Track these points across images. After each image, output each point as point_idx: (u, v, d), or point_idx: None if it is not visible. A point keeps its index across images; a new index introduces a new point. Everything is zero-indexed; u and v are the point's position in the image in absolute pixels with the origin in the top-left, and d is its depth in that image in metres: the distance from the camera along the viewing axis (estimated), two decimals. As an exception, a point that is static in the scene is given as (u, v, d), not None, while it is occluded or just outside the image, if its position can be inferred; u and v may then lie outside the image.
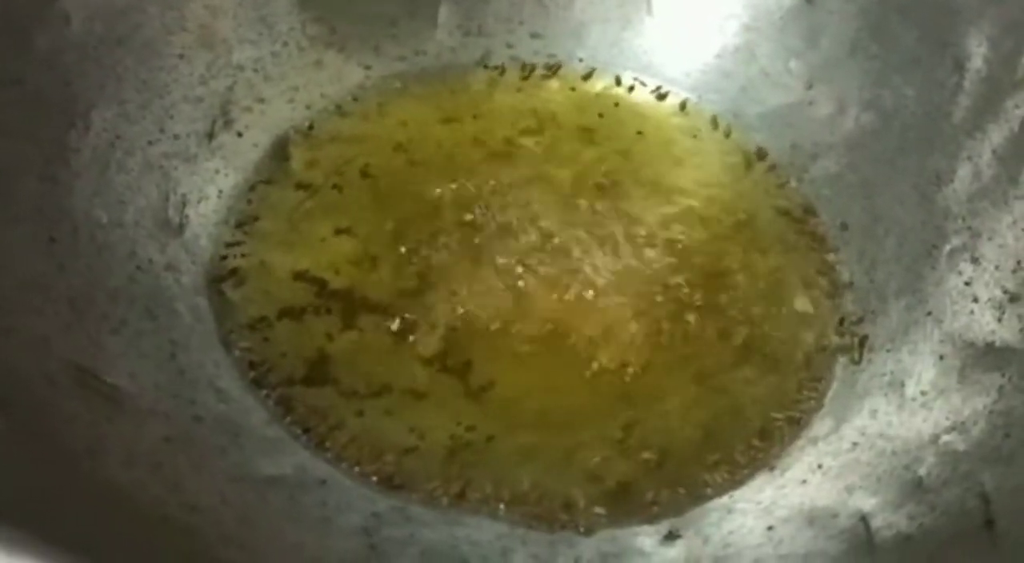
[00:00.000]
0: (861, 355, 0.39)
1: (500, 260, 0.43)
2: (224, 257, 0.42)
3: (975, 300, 0.38)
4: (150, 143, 0.43)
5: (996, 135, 0.41)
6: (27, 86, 0.39)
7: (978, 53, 0.42)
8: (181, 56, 0.45)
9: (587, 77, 0.50)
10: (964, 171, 0.41)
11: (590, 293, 0.42)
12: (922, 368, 0.37)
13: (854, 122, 0.46)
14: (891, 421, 0.36)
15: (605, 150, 0.48)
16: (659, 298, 0.42)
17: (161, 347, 0.37)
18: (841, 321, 0.41)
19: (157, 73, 0.44)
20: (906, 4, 0.45)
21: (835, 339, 0.40)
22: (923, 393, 0.36)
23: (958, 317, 0.38)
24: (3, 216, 0.36)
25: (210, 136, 0.45)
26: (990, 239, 0.39)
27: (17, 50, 0.39)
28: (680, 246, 0.44)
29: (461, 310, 0.41)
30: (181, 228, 0.42)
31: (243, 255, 0.42)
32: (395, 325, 0.40)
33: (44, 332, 0.35)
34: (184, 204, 0.43)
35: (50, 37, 0.40)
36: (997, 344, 0.36)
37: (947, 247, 0.40)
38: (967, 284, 0.39)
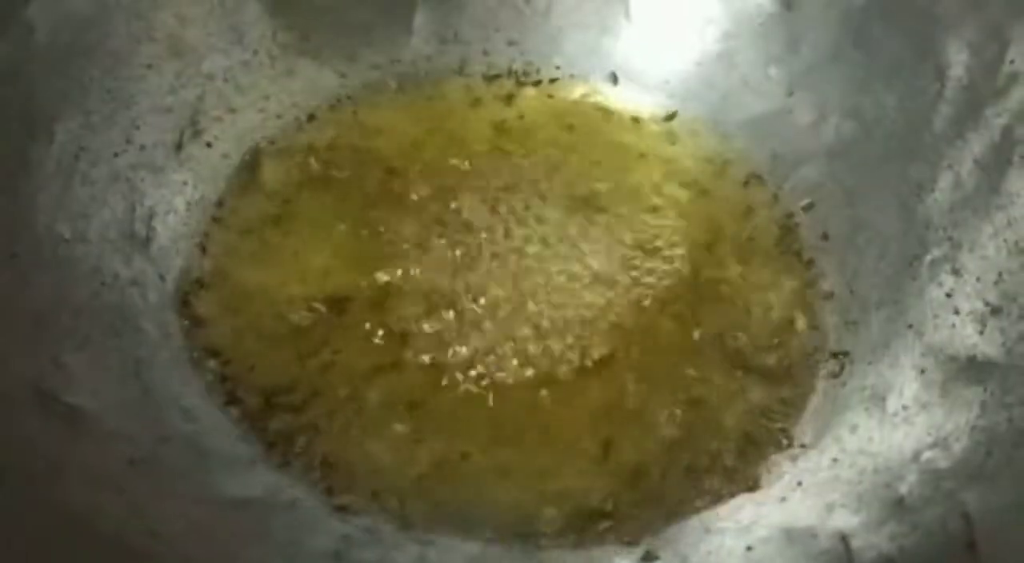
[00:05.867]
0: (842, 368, 0.39)
1: (478, 271, 0.42)
2: (192, 272, 0.41)
3: (956, 312, 0.38)
4: (116, 155, 0.42)
5: (977, 144, 0.40)
6: (-14, 97, 0.38)
7: (959, 61, 0.42)
8: (149, 66, 0.44)
9: (565, 84, 0.50)
10: (945, 180, 0.41)
11: (568, 305, 0.41)
12: (903, 382, 0.37)
13: (835, 130, 0.45)
14: (872, 437, 0.36)
15: (583, 160, 0.47)
16: (637, 310, 0.41)
17: (126, 365, 0.36)
18: (822, 333, 0.40)
19: (124, 83, 0.43)
20: (887, 11, 0.44)
21: (815, 351, 0.40)
22: (904, 408, 0.36)
23: (939, 330, 0.37)
24: (-40, 231, 0.35)
25: (178, 147, 0.44)
26: (971, 250, 0.39)
27: (-24, 60, 0.38)
28: (659, 256, 0.43)
29: (437, 324, 0.40)
30: (148, 242, 0.41)
31: (212, 269, 0.41)
32: (368, 341, 0.39)
33: (5, 351, 0.34)
34: (151, 217, 0.42)
35: (12, 47, 0.39)
36: (979, 358, 0.36)
37: (928, 258, 0.40)
38: (948, 296, 0.38)
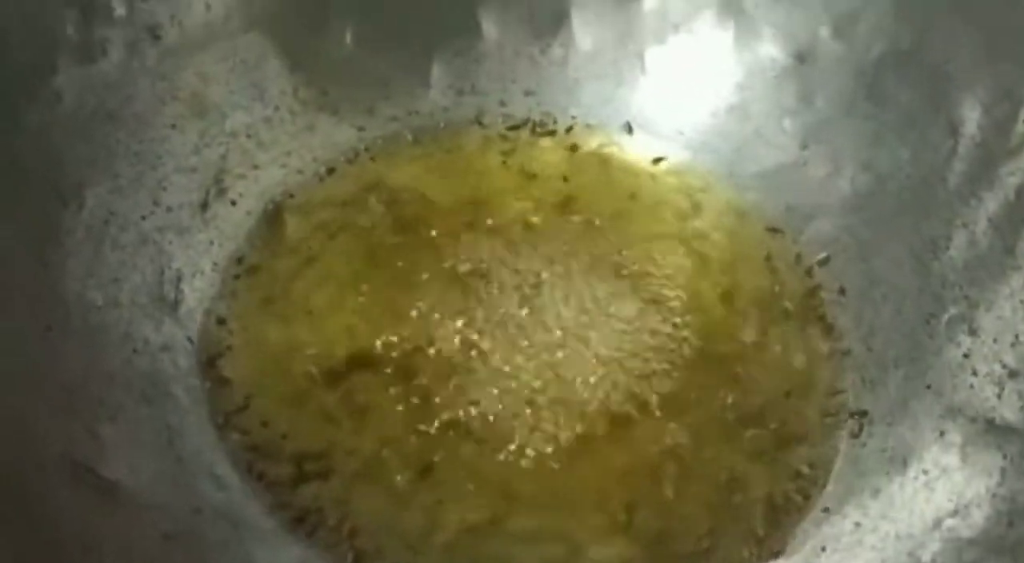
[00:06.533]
0: (861, 428, 0.39)
1: (501, 331, 0.42)
2: (219, 333, 0.41)
3: (974, 373, 0.38)
4: (143, 217, 0.42)
5: (991, 203, 0.41)
6: (18, 167, 0.39)
7: (972, 118, 0.42)
8: (173, 126, 0.45)
9: (581, 134, 0.50)
10: (960, 238, 0.41)
11: (590, 369, 0.42)
12: (923, 444, 0.37)
13: (849, 183, 0.46)
14: (894, 501, 0.36)
15: (600, 213, 0.47)
16: (658, 374, 0.41)
17: (159, 434, 0.37)
18: (840, 392, 0.41)
19: (150, 145, 0.44)
20: (900, 66, 0.45)
21: (836, 411, 0.40)
22: (925, 472, 0.36)
23: (958, 391, 0.38)
24: (-3, 306, 0.36)
25: (204, 206, 0.44)
26: (988, 310, 0.39)
27: (8, 130, 0.39)
28: (676, 312, 0.44)
29: (462, 386, 0.41)
30: (176, 304, 0.41)
31: (239, 330, 0.42)
32: (393, 404, 0.40)
33: (38, 424, 0.34)
34: (179, 279, 0.42)
35: (41, 115, 0.40)
36: (997, 421, 0.36)
37: (945, 316, 0.40)
38: (966, 356, 0.39)
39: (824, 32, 0.47)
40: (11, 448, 0.33)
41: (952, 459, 0.36)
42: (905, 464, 0.37)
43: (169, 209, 0.43)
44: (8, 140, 0.38)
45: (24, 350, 0.36)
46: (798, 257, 0.45)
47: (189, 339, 0.41)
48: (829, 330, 0.43)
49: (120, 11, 0.42)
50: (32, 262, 0.38)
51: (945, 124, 0.43)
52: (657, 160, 0.49)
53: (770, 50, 0.49)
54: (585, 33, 0.51)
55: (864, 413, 0.40)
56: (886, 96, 0.45)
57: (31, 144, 0.39)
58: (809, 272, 0.45)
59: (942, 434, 0.37)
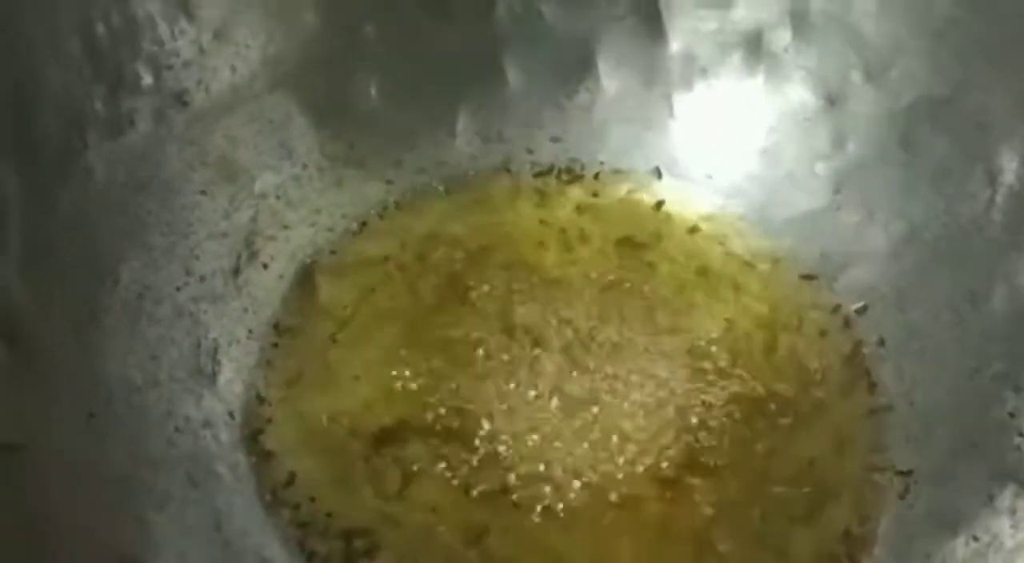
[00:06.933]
0: (907, 489, 0.39)
1: (542, 390, 0.42)
2: (260, 406, 0.41)
3: (1020, 434, 0.38)
4: (178, 289, 0.42)
5: (1033, 256, 0.41)
6: (54, 249, 0.38)
7: (1010, 168, 0.42)
8: (203, 192, 0.44)
9: (609, 180, 0.50)
10: (1001, 291, 0.41)
11: (631, 421, 0.41)
12: (972, 509, 0.37)
13: (883, 230, 0.46)
14: (947, 561, 0.36)
15: (632, 262, 0.47)
16: (702, 431, 0.41)
17: (206, 519, 0.37)
18: (884, 449, 0.41)
19: (180, 213, 0.43)
20: (934, 114, 0.44)
21: (881, 470, 0.40)
22: (975, 538, 0.36)
23: (1005, 453, 0.38)
24: (41, 398, 0.35)
25: (236, 272, 0.44)
26: (1033, 368, 0.39)
27: (44, 213, 0.38)
28: (717, 369, 0.43)
29: (511, 448, 0.40)
30: (214, 376, 0.41)
31: (279, 401, 0.42)
32: (439, 471, 0.40)
33: (88, 520, 0.34)
34: (215, 350, 0.42)
35: (73, 194, 0.39)
36: (1047, 487, 0.36)
37: (989, 372, 0.40)
38: (1012, 415, 0.39)
39: (856, 77, 0.47)
40: (63, 549, 0.33)
41: (1003, 526, 0.36)
42: (955, 529, 0.37)
43: (202, 278, 0.43)
44: (44, 223, 0.38)
45: (69, 442, 0.35)
46: (836, 307, 0.45)
47: (230, 413, 0.41)
48: (870, 383, 0.43)
49: (148, 80, 0.42)
50: (71, 345, 0.38)
51: (983, 174, 0.43)
52: (686, 200, 0.49)
53: (800, 93, 0.48)
54: (611, 77, 0.50)
55: (910, 472, 0.40)
56: (920, 142, 0.45)
57: (65, 224, 0.39)
58: (847, 322, 0.45)
59: (991, 498, 0.37)
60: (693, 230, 0.48)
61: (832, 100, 0.47)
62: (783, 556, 0.38)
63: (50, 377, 0.36)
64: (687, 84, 0.50)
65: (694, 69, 0.50)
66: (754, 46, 0.49)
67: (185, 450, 0.38)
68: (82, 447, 0.35)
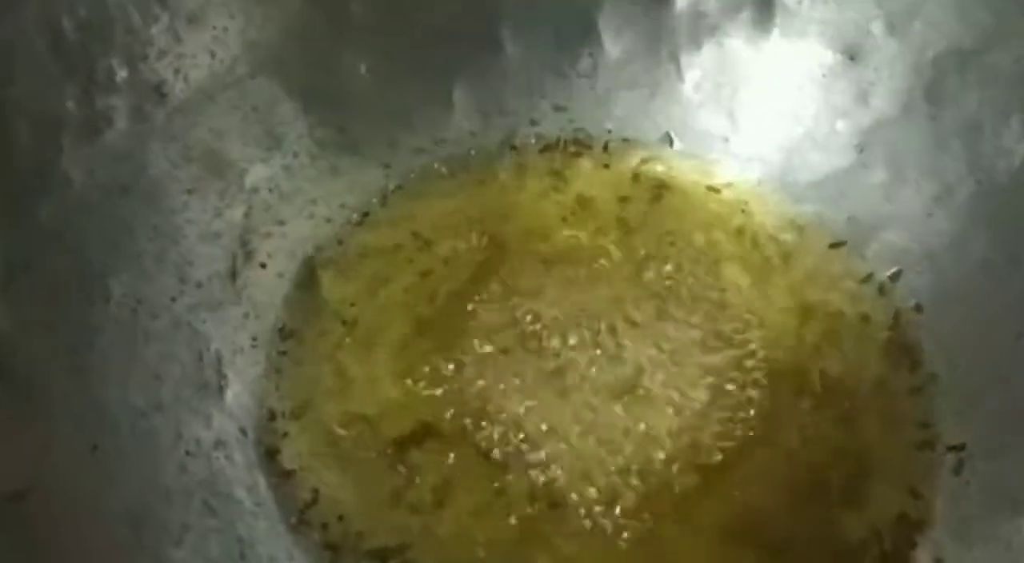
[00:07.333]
0: (961, 464, 0.38)
1: (563, 385, 0.40)
2: (273, 420, 0.39)
3: (1076, 401, 0.36)
4: (173, 299, 0.39)
5: (1076, 212, 0.39)
6: (37, 268, 0.35)
7: (1049, 120, 0.40)
8: (191, 191, 0.41)
9: (619, 150, 0.47)
10: (1044, 251, 0.39)
11: (660, 413, 0.39)
12: (1031, 483, 0.36)
13: (915, 190, 0.43)
14: (1011, 544, 0.35)
15: (649, 238, 0.44)
16: (735, 414, 0.39)
17: (229, 549, 0.34)
18: (931, 425, 0.39)
19: (168, 215, 0.40)
20: (964, 65, 0.42)
21: (931, 444, 0.38)
22: (1040, 516, 0.35)
23: (1061, 421, 0.36)
24: (39, 434, 0.32)
25: (233, 275, 0.41)
26: (1083, 330, 0.37)
27: (21, 229, 0.35)
28: (746, 352, 0.41)
29: (536, 450, 0.38)
30: (221, 391, 0.38)
31: (291, 412, 0.39)
32: (470, 479, 0.37)
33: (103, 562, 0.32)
34: (219, 361, 0.39)
35: (53, 205, 0.36)
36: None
37: (1035, 336, 0.38)
38: (1064, 382, 0.37)
39: (876, 28, 0.44)
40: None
41: (1067, 501, 0.35)
42: (1016, 506, 0.35)
43: (198, 285, 0.40)
44: (23, 238, 0.35)
45: (74, 479, 0.32)
46: (869, 276, 0.43)
47: (242, 430, 0.38)
48: (910, 354, 0.41)
49: (122, 74, 0.38)
50: (65, 373, 0.34)
51: (1018, 126, 0.41)
52: (702, 168, 0.46)
53: (817, 48, 0.45)
54: (615, 40, 0.47)
55: (962, 446, 0.38)
56: (948, 97, 0.43)
57: (47, 238, 0.35)
58: (881, 289, 0.43)
59: (1050, 471, 0.36)
60: (711, 201, 0.46)
61: (852, 55, 0.45)
62: (836, 541, 0.37)
63: (46, 410, 0.33)
64: (695, 44, 0.47)
65: (702, 27, 0.47)
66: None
67: (199, 476, 0.36)
68: (88, 483, 0.33)
